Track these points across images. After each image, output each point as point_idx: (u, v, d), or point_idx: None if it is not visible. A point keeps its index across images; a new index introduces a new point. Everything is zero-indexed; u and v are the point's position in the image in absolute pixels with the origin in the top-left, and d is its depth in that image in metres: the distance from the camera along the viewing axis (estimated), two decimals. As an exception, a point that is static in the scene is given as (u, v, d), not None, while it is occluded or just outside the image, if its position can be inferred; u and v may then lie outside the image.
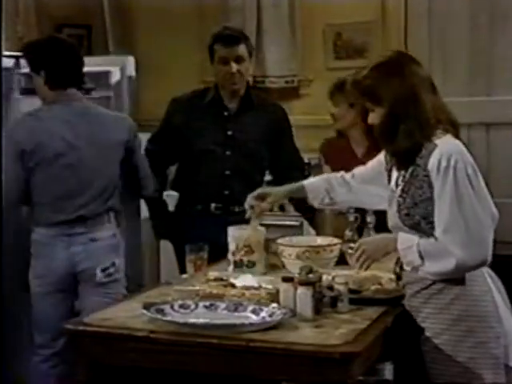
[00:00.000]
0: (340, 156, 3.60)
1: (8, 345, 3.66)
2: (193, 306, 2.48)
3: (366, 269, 2.59)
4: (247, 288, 2.61)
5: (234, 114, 3.76)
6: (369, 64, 2.54)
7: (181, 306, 2.47)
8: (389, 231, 2.59)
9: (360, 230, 3.14)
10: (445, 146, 2.41)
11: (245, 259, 2.99)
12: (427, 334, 2.45)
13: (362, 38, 5.07)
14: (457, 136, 2.47)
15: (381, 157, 2.72)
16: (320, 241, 3.08)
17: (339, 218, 3.22)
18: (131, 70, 4.27)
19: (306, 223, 3.98)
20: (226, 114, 3.76)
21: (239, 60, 3.65)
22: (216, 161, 3.73)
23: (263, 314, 2.40)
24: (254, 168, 3.79)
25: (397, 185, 2.54)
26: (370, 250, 2.55)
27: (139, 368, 2.44)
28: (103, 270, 3.36)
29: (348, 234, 3.09)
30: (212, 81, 3.84)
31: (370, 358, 2.38)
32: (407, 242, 2.44)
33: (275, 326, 2.33)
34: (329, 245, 2.98)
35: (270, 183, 3.82)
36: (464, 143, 2.47)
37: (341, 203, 2.98)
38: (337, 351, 2.18)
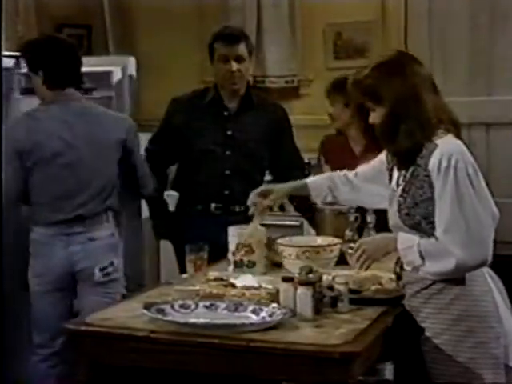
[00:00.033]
0: (339, 153, 3.62)
1: (8, 345, 3.66)
2: (193, 306, 2.48)
3: (366, 269, 2.59)
4: (247, 288, 2.61)
5: (234, 113, 3.77)
6: (370, 64, 2.54)
7: (181, 306, 2.47)
8: (389, 231, 2.59)
9: (360, 230, 3.13)
10: (445, 145, 2.41)
11: (245, 259, 2.99)
12: (427, 333, 2.45)
13: (362, 37, 5.07)
14: (458, 136, 2.47)
15: (382, 156, 2.72)
16: (320, 241, 3.08)
17: (339, 217, 3.22)
18: (132, 70, 4.27)
19: (306, 223, 3.98)
20: (225, 113, 3.76)
21: (239, 59, 3.66)
22: (216, 161, 3.73)
23: (263, 313, 2.40)
24: (254, 168, 3.79)
25: (398, 184, 2.54)
26: (370, 250, 2.56)
27: (140, 368, 2.44)
28: (101, 270, 3.37)
29: (348, 233, 3.09)
30: (212, 81, 3.84)
31: (370, 358, 2.38)
32: (407, 241, 2.44)
33: (275, 326, 2.33)
34: (329, 245, 2.98)
35: (270, 183, 3.81)
36: (465, 143, 2.47)
37: (344, 202, 2.99)
38: (337, 351, 2.18)
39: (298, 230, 4.16)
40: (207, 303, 2.49)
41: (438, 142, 2.42)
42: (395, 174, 2.58)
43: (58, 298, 3.39)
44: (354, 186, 2.90)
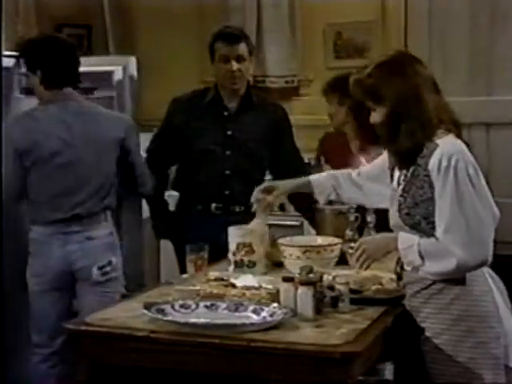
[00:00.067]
0: (338, 151, 3.62)
1: (8, 345, 3.66)
2: (193, 306, 2.48)
3: (366, 268, 2.58)
4: (248, 288, 2.61)
5: (234, 113, 3.77)
6: (369, 63, 2.54)
7: (181, 306, 2.47)
8: (389, 231, 2.59)
9: (360, 230, 3.13)
10: (446, 145, 2.40)
11: (245, 259, 2.99)
12: (427, 333, 2.45)
13: (362, 37, 5.07)
14: (459, 136, 2.47)
15: (385, 155, 2.72)
16: (320, 241, 3.08)
17: (339, 217, 3.22)
18: (133, 70, 4.27)
19: (306, 223, 3.98)
20: (225, 113, 3.76)
21: (240, 59, 3.66)
22: (216, 161, 3.73)
23: (264, 313, 2.40)
24: (254, 168, 3.79)
25: (398, 184, 2.54)
26: (370, 250, 2.55)
27: (140, 368, 2.44)
28: (100, 268, 3.37)
29: (348, 233, 3.09)
30: (212, 81, 3.85)
31: (370, 358, 2.38)
32: (407, 241, 2.44)
33: (276, 326, 2.33)
34: (329, 245, 2.98)
35: (270, 183, 3.82)
36: (466, 143, 2.47)
37: (347, 200, 2.99)
38: (337, 351, 2.18)
39: (298, 229, 4.16)
40: (208, 303, 2.49)
41: (438, 141, 2.42)
42: (396, 173, 2.58)
43: (56, 297, 3.39)
44: (357, 184, 2.91)
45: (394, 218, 2.53)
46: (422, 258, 2.40)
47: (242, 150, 3.73)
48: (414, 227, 2.45)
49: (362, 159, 3.47)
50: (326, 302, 2.49)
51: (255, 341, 2.26)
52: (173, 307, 2.46)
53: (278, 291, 2.52)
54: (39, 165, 3.32)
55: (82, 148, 3.35)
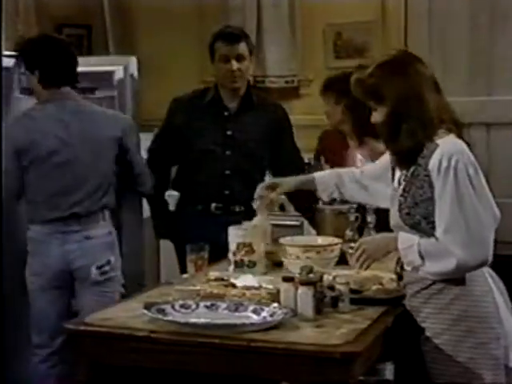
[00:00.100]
0: (336, 147, 3.62)
1: (8, 345, 3.66)
2: (194, 306, 2.48)
3: (366, 268, 2.58)
4: (248, 288, 2.61)
5: (234, 113, 3.77)
6: (364, 62, 2.54)
7: (182, 306, 2.47)
8: (389, 231, 2.58)
9: (360, 230, 3.13)
10: (446, 146, 2.40)
11: (245, 259, 2.99)
12: (427, 334, 2.45)
13: (362, 37, 5.07)
14: (460, 136, 2.47)
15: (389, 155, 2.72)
16: (320, 241, 3.08)
17: (339, 217, 3.22)
18: (134, 70, 4.27)
19: (306, 223, 3.98)
20: (225, 113, 3.76)
21: (240, 58, 3.66)
22: (216, 161, 3.73)
23: (264, 313, 2.40)
24: (254, 168, 3.79)
25: (399, 183, 2.54)
26: (370, 250, 2.55)
27: (140, 368, 2.44)
28: (98, 268, 3.37)
29: (348, 233, 3.09)
30: (212, 81, 3.85)
31: (370, 358, 2.38)
32: (407, 241, 2.44)
33: (276, 326, 2.33)
34: (329, 244, 2.98)
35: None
36: (467, 143, 2.47)
37: (350, 198, 2.99)
38: (338, 351, 2.18)
39: (298, 229, 4.16)
40: (208, 303, 2.49)
41: (439, 141, 2.42)
42: (397, 173, 2.58)
43: (56, 296, 3.40)
44: (361, 183, 2.91)
45: (394, 217, 2.53)
46: (421, 257, 2.40)
47: (241, 150, 3.73)
48: (414, 227, 2.45)
49: (359, 155, 3.48)
50: (326, 302, 2.49)
51: (255, 341, 2.26)
52: (173, 307, 2.46)
53: (278, 291, 2.52)
54: (37, 164, 3.33)
55: (80, 147, 3.35)
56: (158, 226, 3.94)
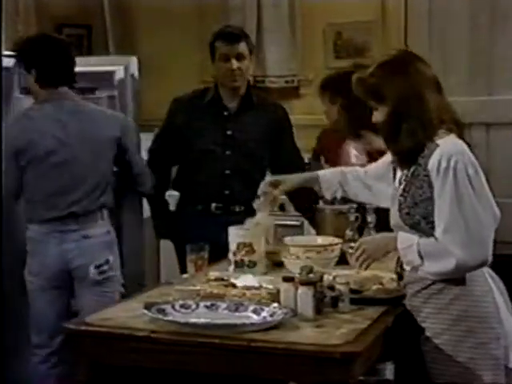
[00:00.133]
0: (335, 145, 3.62)
1: (8, 345, 3.66)
2: (194, 306, 2.48)
3: (366, 268, 2.58)
4: (248, 288, 2.61)
5: (234, 113, 3.77)
6: (362, 62, 2.54)
7: (182, 306, 2.47)
8: (389, 230, 2.58)
9: (360, 230, 3.14)
10: (446, 146, 2.40)
11: (246, 259, 2.99)
12: (427, 333, 2.45)
13: (362, 37, 5.07)
14: (460, 136, 2.47)
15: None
16: (321, 240, 3.08)
17: (340, 217, 3.22)
18: (134, 70, 4.27)
19: (306, 223, 3.99)
20: (225, 113, 3.76)
21: (240, 57, 3.67)
22: (216, 161, 3.73)
23: (264, 313, 2.40)
24: (254, 168, 3.79)
25: (399, 183, 2.54)
26: (370, 250, 2.55)
27: (140, 368, 2.44)
28: (97, 267, 3.37)
29: (348, 233, 3.09)
30: (212, 81, 3.85)
31: (370, 358, 2.38)
32: (407, 241, 2.44)
33: (276, 326, 2.33)
34: (329, 244, 2.98)
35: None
36: (468, 143, 2.46)
37: (353, 196, 2.99)
38: (338, 351, 2.18)
39: (298, 229, 4.16)
40: (208, 303, 2.49)
41: (439, 142, 2.42)
42: (398, 172, 2.58)
43: (55, 295, 3.40)
44: (364, 182, 2.92)
45: (394, 217, 2.53)
46: (421, 257, 2.40)
47: (242, 150, 3.73)
48: (414, 227, 2.45)
49: (354, 150, 3.48)
50: (326, 302, 2.49)
51: (255, 341, 2.26)
52: (173, 307, 2.46)
53: (278, 291, 2.52)
54: (34, 164, 3.33)
55: (78, 147, 3.35)
56: (158, 226, 3.94)
